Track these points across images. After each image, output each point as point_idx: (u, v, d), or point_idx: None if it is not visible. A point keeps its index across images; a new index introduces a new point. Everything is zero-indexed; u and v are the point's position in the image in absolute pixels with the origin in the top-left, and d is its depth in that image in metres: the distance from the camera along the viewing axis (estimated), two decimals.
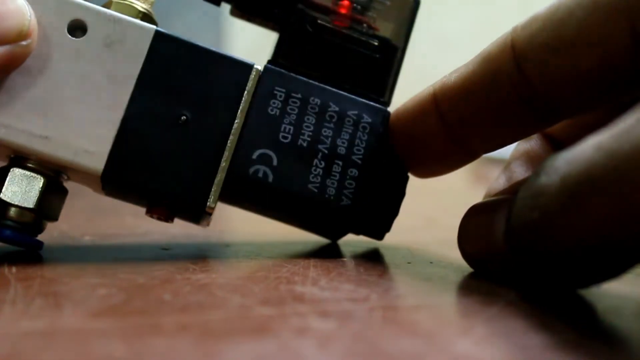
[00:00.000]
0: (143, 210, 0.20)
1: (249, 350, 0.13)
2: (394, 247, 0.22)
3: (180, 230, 0.24)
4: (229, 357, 0.12)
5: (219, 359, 0.12)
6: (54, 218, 0.19)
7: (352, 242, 0.22)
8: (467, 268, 0.20)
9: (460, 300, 0.17)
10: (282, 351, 0.13)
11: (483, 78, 0.18)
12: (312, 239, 0.21)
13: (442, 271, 0.20)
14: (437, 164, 0.20)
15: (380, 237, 0.21)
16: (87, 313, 0.14)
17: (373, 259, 0.21)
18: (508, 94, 0.18)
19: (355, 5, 0.21)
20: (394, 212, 0.21)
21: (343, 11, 0.21)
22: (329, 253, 0.21)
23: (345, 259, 0.21)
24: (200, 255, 0.21)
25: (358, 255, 0.21)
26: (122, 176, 0.18)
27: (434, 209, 0.21)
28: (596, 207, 0.13)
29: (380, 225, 0.21)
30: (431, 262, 0.21)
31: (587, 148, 0.13)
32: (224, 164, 0.19)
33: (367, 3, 0.21)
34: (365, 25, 0.21)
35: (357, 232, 0.21)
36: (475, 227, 0.19)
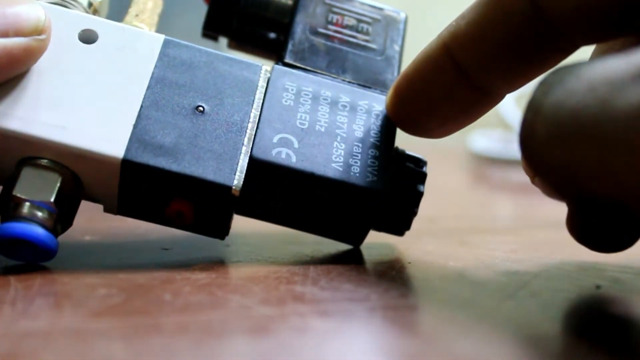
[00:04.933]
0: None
1: (249, 350, 0.13)
2: (393, 248, 0.22)
3: (180, 230, 0.24)
4: (229, 357, 0.12)
5: (219, 359, 0.12)
6: (69, 223, 0.18)
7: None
8: (466, 268, 0.20)
9: (460, 300, 0.17)
10: (282, 351, 0.13)
11: (496, 19, 0.18)
12: (312, 239, 0.21)
13: (442, 271, 0.20)
14: (461, 116, 0.20)
15: (406, 227, 0.21)
16: (87, 313, 0.14)
17: (373, 259, 0.21)
18: (524, 30, 0.17)
19: (347, 21, 0.22)
20: (418, 194, 0.20)
21: (337, 28, 0.22)
22: (329, 252, 0.21)
23: (345, 259, 0.21)
24: (200, 255, 0.21)
25: (358, 255, 0.21)
26: (144, 161, 0.18)
27: (434, 209, 0.21)
28: (582, 152, 0.12)
29: (404, 211, 0.20)
30: (431, 262, 0.21)
31: (583, 84, 0.13)
32: (245, 148, 0.19)
33: (359, 19, 0.22)
34: (360, 35, 0.22)
35: (379, 227, 0.21)
36: None
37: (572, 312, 0.16)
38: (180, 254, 0.21)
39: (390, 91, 0.20)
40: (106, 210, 0.20)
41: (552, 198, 0.17)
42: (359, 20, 0.22)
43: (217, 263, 0.21)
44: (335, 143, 0.19)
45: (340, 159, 0.19)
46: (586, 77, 0.13)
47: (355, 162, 0.19)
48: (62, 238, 0.20)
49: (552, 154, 0.13)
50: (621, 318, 0.16)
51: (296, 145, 0.19)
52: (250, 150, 0.19)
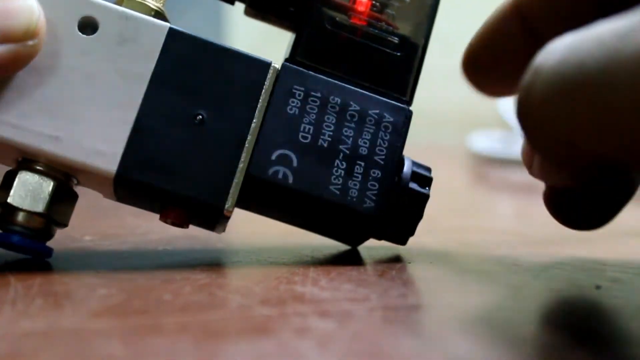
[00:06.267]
0: (144, 210, 0.20)
1: (249, 350, 0.13)
2: (394, 247, 0.22)
3: (180, 230, 0.24)
4: (229, 357, 0.12)
5: (219, 359, 0.12)
6: (64, 224, 0.18)
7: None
8: (467, 268, 0.20)
9: (460, 300, 0.17)
10: (282, 351, 0.13)
11: None
12: (313, 239, 0.21)
13: (442, 271, 0.20)
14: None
15: (403, 241, 0.21)
16: (87, 313, 0.14)
17: (373, 259, 0.21)
18: None
19: (373, 3, 0.20)
20: (418, 215, 0.20)
21: (361, 9, 0.20)
22: (329, 252, 0.21)
23: (345, 259, 0.21)
24: (200, 255, 0.21)
25: (358, 255, 0.21)
26: (137, 178, 0.18)
27: (434, 209, 0.21)
28: (586, 106, 0.12)
29: (403, 228, 0.20)
30: (431, 262, 0.21)
31: (589, 39, 0.12)
32: (242, 165, 0.18)
33: (385, 1, 0.20)
34: (384, 23, 0.20)
35: (379, 237, 0.21)
36: None
37: (572, 312, 0.16)
38: (180, 254, 0.21)
39: (464, 54, 0.19)
40: (105, 197, 0.20)
41: (547, 180, 0.16)
42: (384, 5, 0.20)
43: (217, 263, 0.21)
44: (337, 161, 0.19)
45: (339, 180, 0.19)
46: (593, 33, 0.12)
47: (355, 185, 0.19)
48: (62, 238, 0.20)
49: (553, 113, 0.13)
50: (621, 318, 0.16)
51: (295, 163, 0.19)
52: (246, 167, 0.18)
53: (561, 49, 0.13)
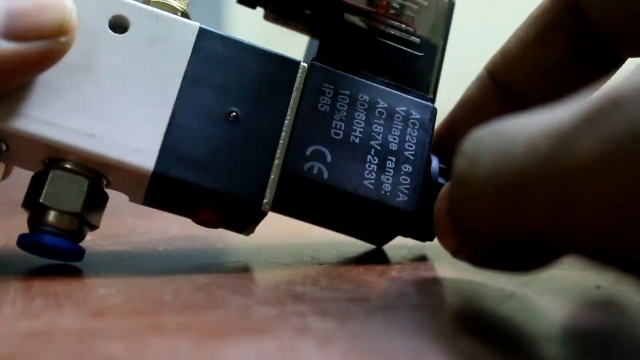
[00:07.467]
0: (143, 210, 0.20)
1: (249, 350, 0.13)
2: (394, 247, 0.22)
3: (180, 230, 0.24)
4: (229, 357, 0.12)
5: (219, 359, 0.12)
6: (96, 225, 0.18)
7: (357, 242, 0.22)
8: (466, 268, 0.20)
9: (460, 300, 0.17)
10: (282, 351, 0.13)
11: (539, 36, 0.18)
12: (313, 239, 0.21)
13: (442, 271, 0.20)
14: None
15: (431, 237, 0.21)
16: (87, 313, 0.14)
17: (373, 259, 0.21)
18: (565, 45, 0.17)
19: (391, 6, 0.21)
20: None
21: (380, 12, 0.21)
22: (330, 252, 0.21)
23: (345, 259, 0.21)
24: (200, 255, 0.21)
25: (358, 256, 0.21)
26: (175, 176, 0.17)
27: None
28: (530, 210, 0.11)
29: (432, 224, 0.20)
30: (431, 262, 0.21)
31: (519, 146, 0.11)
32: (277, 161, 0.18)
33: (403, 4, 0.21)
34: (403, 25, 0.21)
35: (406, 234, 0.21)
36: (436, 212, 0.16)
37: (571, 312, 0.16)
38: (180, 254, 0.21)
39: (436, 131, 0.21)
40: (131, 200, 0.19)
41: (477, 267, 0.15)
42: (404, 6, 0.21)
43: (218, 263, 0.21)
44: (369, 157, 0.19)
45: (372, 175, 0.19)
46: (521, 136, 0.12)
47: (387, 180, 0.19)
48: None
49: (497, 226, 0.12)
50: (621, 318, 0.16)
51: (329, 159, 0.19)
52: (282, 164, 0.18)
53: (487, 156, 0.12)
